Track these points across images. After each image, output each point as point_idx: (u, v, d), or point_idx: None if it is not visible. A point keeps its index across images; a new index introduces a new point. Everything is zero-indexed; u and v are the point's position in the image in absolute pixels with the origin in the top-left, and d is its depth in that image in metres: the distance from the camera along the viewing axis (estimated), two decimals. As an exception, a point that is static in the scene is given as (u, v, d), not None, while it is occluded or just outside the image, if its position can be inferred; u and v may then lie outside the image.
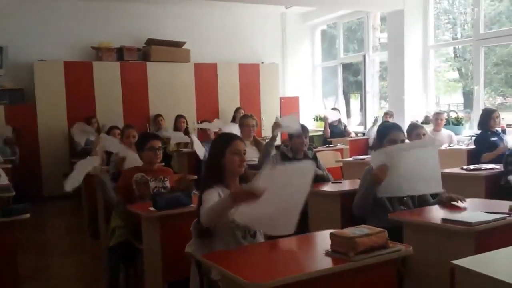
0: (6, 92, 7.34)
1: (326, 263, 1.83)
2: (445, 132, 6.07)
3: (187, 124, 7.51)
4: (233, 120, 7.89)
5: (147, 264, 3.04)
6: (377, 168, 2.77)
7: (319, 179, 3.78)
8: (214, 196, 2.33)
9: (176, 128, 7.34)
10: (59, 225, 6.18)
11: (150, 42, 8.17)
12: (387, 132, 3.03)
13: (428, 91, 7.51)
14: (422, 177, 2.77)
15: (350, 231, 1.94)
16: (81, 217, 6.03)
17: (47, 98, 7.42)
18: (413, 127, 4.53)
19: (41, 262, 4.55)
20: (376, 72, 8.95)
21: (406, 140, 3.48)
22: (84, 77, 7.64)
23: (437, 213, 2.65)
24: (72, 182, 4.08)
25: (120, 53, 7.98)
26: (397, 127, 3.10)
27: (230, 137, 2.56)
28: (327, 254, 1.91)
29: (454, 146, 5.73)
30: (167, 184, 3.56)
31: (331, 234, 1.94)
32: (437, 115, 6.08)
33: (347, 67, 9.96)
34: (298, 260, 1.99)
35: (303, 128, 4.11)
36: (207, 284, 2.44)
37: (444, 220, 2.39)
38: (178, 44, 8.38)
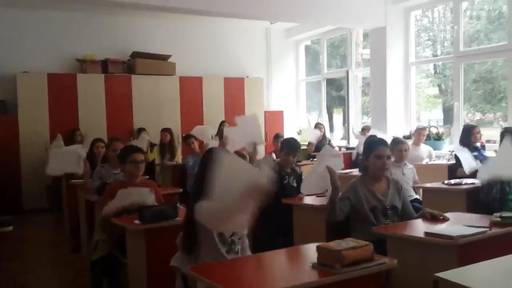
0: (-12, 103, 7.25)
1: (313, 276, 1.85)
2: (424, 147, 6.16)
3: (172, 137, 7.49)
4: (218, 133, 7.91)
5: (132, 277, 3.00)
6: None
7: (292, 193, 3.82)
8: None
9: (161, 141, 7.32)
10: (39, 238, 6.06)
11: (135, 55, 8.17)
12: (373, 147, 3.08)
13: (410, 107, 7.65)
14: None
15: (336, 244, 1.96)
16: (62, 230, 5.94)
17: (30, 109, 7.34)
18: (396, 142, 4.60)
19: (21, 275, 4.44)
20: (359, 87, 9.09)
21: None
22: (68, 89, 7.59)
23: (420, 227, 2.71)
24: (52, 169, 4.13)
25: (104, 65, 7.96)
26: (383, 142, 3.16)
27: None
28: (313, 267, 1.93)
29: (434, 161, 5.84)
30: (152, 197, 3.55)
31: (317, 247, 1.96)
32: (420, 130, 6.14)
33: (330, 82, 10.09)
34: (285, 273, 2.00)
35: (295, 147, 4.08)
36: (193, 297, 2.43)
37: (427, 233, 2.44)
38: (164, 57, 8.40)
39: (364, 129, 6.95)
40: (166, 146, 7.24)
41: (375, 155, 3.07)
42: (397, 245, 2.56)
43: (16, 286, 4.09)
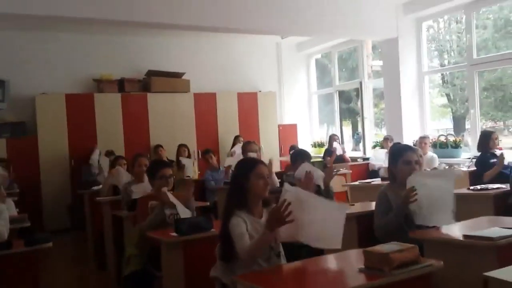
0: (8, 125, 7.35)
1: (362, 279, 1.88)
2: (429, 155, 6.25)
3: (188, 153, 7.57)
4: (233, 147, 7.97)
5: (168, 290, 3.03)
6: (406, 191, 2.82)
7: None
8: (241, 227, 2.38)
9: (179, 157, 7.39)
10: (63, 257, 6.08)
11: (150, 73, 8.31)
12: (401, 153, 3.11)
13: (425, 116, 7.69)
14: (437, 208, 2.83)
15: (381, 248, 2.00)
16: (85, 249, 5.96)
17: (49, 130, 7.43)
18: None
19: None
20: (370, 98, 9.15)
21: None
22: (85, 109, 7.69)
23: (455, 230, 2.72)
24: None
25: (121, 84, 8.09)
26: (410, 148, 3.19)
27: (254, 161, 2.63)
28: (361, 271, 1.96)
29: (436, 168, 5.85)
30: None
31: (364, 251, 2.00)
32: (422, 139, 6.29)
33: (339, 94, 10.16)
34: (334, 278, 2.03)
35: (306, 155, 4.19)
36: (234, 307, 2.46)
37: (466, 236, 2.46)
38: (178, 75, 8.53)
39: (387, 139, 7.00)
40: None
41: (404, 160, 3.09)
42: (434, 249, 2.58)
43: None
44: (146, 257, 3.42)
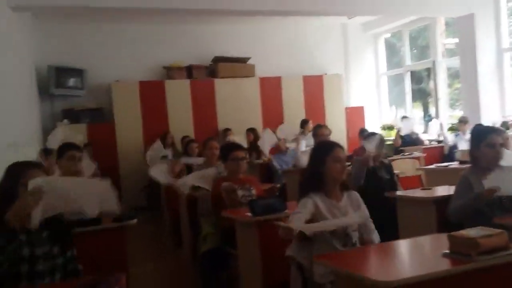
0: (87, 111, 7.83)
1: (447, 264, 1.83)
2: None
3: (254, 137, 7.67)
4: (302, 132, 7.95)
5: (244, 268, 3.13)
6: (487, 189, 2.71)
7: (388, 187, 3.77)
8: (303, 206, 2.41)
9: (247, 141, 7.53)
10: (140, 235, 6.41)
11: (217, 59, 8.46)
12: (484, 136, 2.95)
13: (505, 96, 7.22)
14: None
15: (468, 232, 1.93)
16: (161, 227, 6.26)
17: (124, 116, 7.83)
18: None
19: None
20: (444, 78, 8.71)
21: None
22: (157, 95, 8.02)
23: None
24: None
25: (189, 71, 8.33)
26: (494, 130, 3.02)
27: (331, 144, 2.60)
28: (445, 255, 1.90)
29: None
30: (253, 192, 3.68)
31: (449, 235, 1.94)
32: None
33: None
34: (417, 262, 1.99)
35: (381, 140, 4.09)
36: (310, 286, 2.49)
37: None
38: (243, 60, 8.61)
39: (462, 121, 6.67)
40: (252, 146, 7.41)
41: (487, 143, 2.93)
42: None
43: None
44: (222, 235, 3.54)
